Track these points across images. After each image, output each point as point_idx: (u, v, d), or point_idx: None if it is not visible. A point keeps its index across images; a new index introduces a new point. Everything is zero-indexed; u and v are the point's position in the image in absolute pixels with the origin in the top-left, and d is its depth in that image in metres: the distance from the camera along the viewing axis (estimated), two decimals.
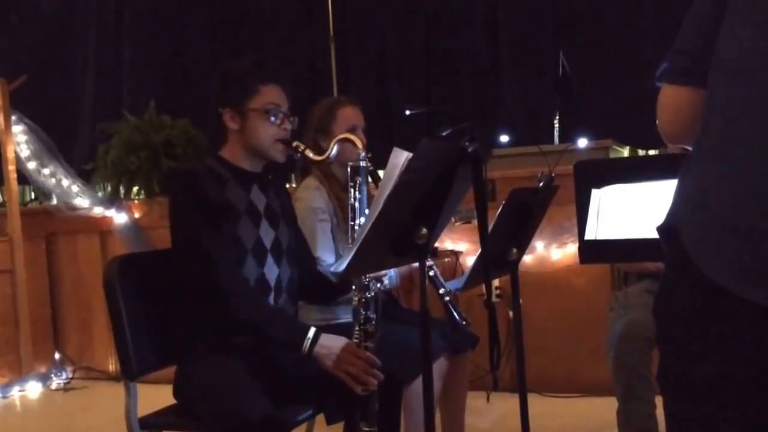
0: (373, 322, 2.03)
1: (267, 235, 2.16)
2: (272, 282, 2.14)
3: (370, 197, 2.64)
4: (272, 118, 2.14)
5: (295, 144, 2.15)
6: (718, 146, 1.13)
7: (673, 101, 1.26)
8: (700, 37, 1.21)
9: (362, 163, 2.08)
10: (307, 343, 1.97)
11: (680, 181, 1.20)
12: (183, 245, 2.08)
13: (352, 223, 2.09)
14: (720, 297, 1.08)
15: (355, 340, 2.02)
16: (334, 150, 2.14)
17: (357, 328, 2.03)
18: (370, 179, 2.67)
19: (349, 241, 2.09)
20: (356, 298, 2.04)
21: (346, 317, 2.38)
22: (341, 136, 2.16)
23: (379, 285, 2.07)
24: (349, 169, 2.11)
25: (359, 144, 2.10)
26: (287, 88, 2.20)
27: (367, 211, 2.05)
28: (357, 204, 2.07)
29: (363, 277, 2.02)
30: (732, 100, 1.12)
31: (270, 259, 2.15)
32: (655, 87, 1.31)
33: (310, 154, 2.14)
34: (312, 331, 2.00)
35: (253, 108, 2.13)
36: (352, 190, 2.08)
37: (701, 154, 1.16)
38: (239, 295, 2.02)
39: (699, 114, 1.19)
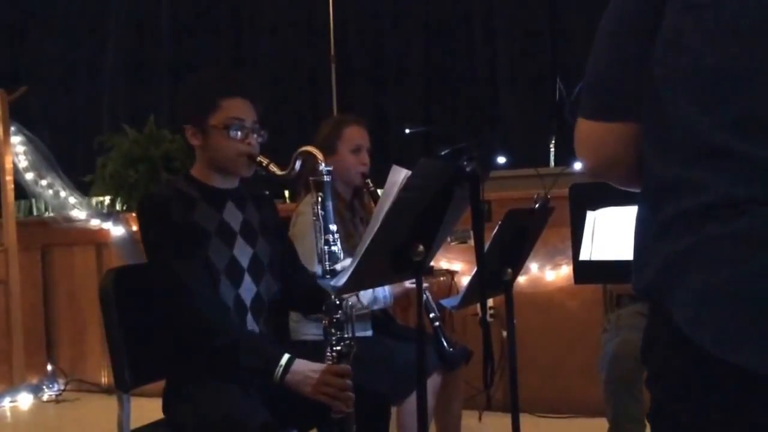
0: (348, 342, 1.97)
1: (243, 253, 2.09)
2: (248, 302, 2.08)
3: (369, 214, 2.65)
4: (233, 134, 2.03)
5: (258, 159, 2.05)
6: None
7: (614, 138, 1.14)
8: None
9: (325, 178, 1.97)
10: (279, 370, 1.91)
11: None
12: (156, 272, 2.03)
13: (322, 242, 1.98)
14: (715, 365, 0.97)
15: (328, 362, 1.96)
16: (297, 165, 2.02)
17: (329, 349, 1.96)
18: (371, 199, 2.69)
19: (317, 263, 2.00)
20: (326, 320, 1.97)
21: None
22: (302, 149, 2.02)
23: (350, 304, 1.99)
24: (312, 185, 2.01)
25: (320, 157, 1.99)
26: (253, 101, 2.09)
27: (333, 227, 1.98)
28: (321, 221, 1.97)
29: (333, 298, 1.94)
30: None
31: (247, 279, 2.08)
32: None
33: (275, 170, 2.03)
34: (285, 358, 1.92)
35: (214, 124, 2.04)
36: (315, 207, 1.98)
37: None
38: (213, 321, 1.97)
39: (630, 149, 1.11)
